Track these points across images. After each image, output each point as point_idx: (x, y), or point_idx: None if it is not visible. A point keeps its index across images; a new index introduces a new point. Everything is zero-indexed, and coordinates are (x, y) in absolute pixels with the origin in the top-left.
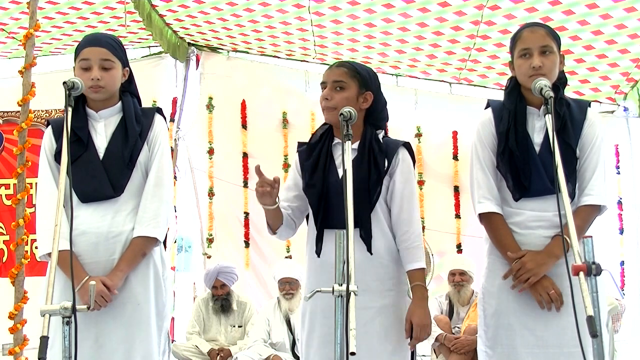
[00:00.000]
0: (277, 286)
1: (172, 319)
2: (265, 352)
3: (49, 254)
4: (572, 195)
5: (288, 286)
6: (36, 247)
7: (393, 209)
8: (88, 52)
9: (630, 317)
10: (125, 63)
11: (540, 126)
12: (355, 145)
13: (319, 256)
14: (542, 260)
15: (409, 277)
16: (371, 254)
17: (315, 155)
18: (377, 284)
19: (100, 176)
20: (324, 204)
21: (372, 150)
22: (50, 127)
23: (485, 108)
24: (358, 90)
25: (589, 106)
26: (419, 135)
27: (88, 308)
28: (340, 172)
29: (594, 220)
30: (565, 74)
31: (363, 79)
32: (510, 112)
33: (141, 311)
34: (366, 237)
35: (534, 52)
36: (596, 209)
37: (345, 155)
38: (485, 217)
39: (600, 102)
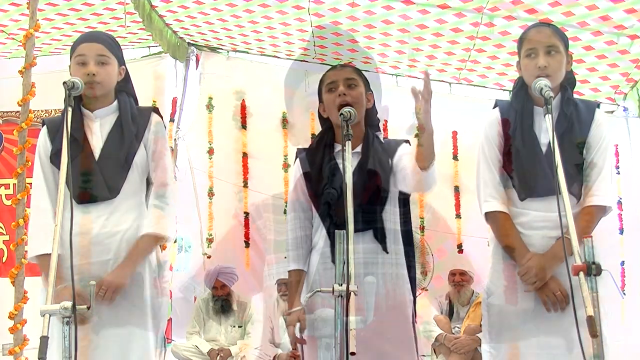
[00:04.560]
0: (276, 287)
1: (170, 319)
2: (272, 352)
3: (38, 257)
4: (578, 196)
5: (284, 287)
6: None
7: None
8: (84, 47)
9: (630, 317)
10: (121, 61)
11: (547, 126)
12: (358, 148)
13: (333, 262)
14: (546, 263)
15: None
16: (387, 252)
17: (319, 163)
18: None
19: (96, 178)
20: (334, 210)
21: (376, 151)
22: (45, 127)
23: (493, 108)
24: (365, 90)
25: (598, 107)
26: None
27: (88, 308)
28: (346, 178)
29: (599, 220)
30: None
31: (366, 80)
32: (517, 112)
33: (137, 312)
34: (381, 238)
35: (540, 52)
36: (601, 210)
37: (346, 155)
38: (491, 216)
39: (600, 102)
